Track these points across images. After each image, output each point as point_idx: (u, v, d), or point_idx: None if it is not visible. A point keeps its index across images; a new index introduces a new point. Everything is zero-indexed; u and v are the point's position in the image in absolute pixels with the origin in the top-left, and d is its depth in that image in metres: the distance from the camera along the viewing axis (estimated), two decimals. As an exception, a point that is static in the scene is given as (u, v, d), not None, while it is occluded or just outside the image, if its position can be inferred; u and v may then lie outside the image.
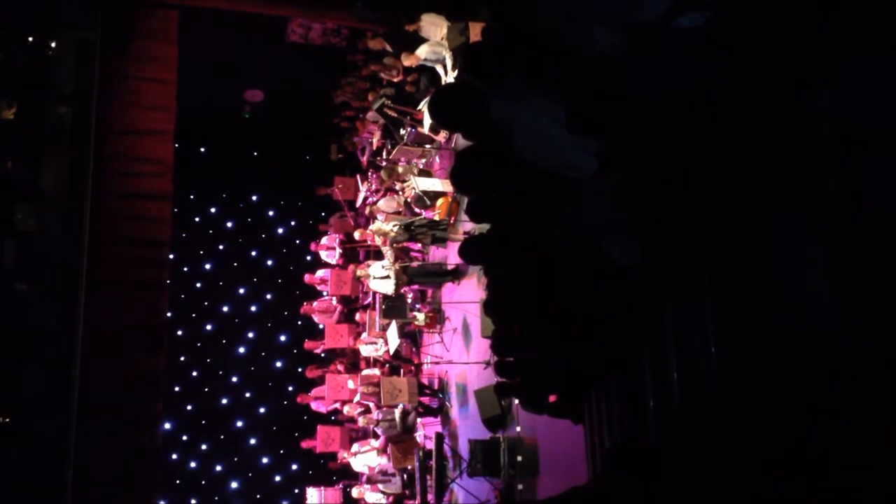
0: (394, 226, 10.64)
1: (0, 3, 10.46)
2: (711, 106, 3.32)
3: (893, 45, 2.71)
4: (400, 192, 11.93)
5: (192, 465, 16.09)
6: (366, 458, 12.46)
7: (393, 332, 11.23)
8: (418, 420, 11.69)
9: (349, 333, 13.93)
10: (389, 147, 12.03)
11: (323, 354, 14.56)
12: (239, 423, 16.62)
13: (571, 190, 3.72)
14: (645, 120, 3.36)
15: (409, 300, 11.44)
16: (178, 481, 15.76)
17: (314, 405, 13.96)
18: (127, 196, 11.46)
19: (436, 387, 11.69)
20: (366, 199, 13.86)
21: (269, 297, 17.15)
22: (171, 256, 13.44)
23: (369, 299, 13.43)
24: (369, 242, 12.51)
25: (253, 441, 16.62)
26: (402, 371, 12.17)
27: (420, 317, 11.17)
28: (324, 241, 14.57)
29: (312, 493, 13.97)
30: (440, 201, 10.65)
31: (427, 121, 10.63)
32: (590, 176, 3.62)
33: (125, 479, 10.85)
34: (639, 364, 4.15)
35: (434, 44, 9.99)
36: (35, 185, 10.47)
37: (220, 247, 16.98)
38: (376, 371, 12.51)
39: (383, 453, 12.13)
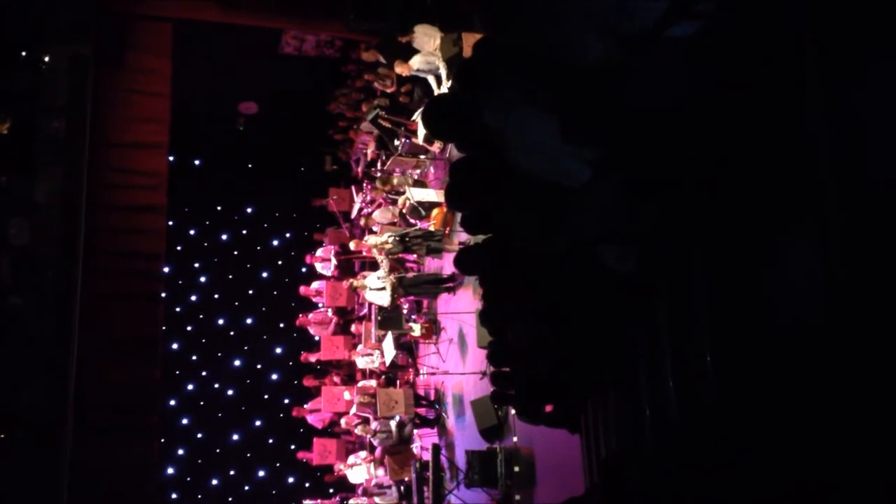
0: (389, 236, 10.63)
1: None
2: (705, 114, 3.33)
3: (891, 48, 2.72)
4: (394, 204, 11.94)
5: (188, 479, 15.99)
6: (362, 469, 12.41)
7: (389, 343, 11.20)
8: (415, 431, 11.65)
9: (345, 345, 13.90)
10: (384, 158, 12.04)
11: (319, 366, 14.53)
12: (235, 437, 16.54)
13: (566, 199, 3.72)
14: (639, 128, 3.37)
15: (405, 311, 11.41)
16: (174, 495, 15.67)
17: (310, 419, 13.92)
18: (121, 209, 11.46)
19: (432, 398, 11.66)
20: (361, 210, 13.86)
21: (264, 309, 17.08)
22: (166, 269, 13.45)
23: (365, 311, 13.42)
24: (364, 253, 12.50)
25: (249, 454, 16.54)
26: (398, 382, 12.14)
27: (416, 328, 11.15)
28: (319, 252, 14.55)
29: (309, 506, 13.93)
30: (435, 212, 10.65)
31: (421, 131, 10.64)
32: (584, 184, 3.62)
33: (121, 494, 10.81)
34: (635, 372, 4.15)
35: (427, 54, 10.00)
36: (29, 199, 10.45)
37: (215, 259, 16.93)
38: (372, 382, 12.48)
39: (380, 465, 12.09)
